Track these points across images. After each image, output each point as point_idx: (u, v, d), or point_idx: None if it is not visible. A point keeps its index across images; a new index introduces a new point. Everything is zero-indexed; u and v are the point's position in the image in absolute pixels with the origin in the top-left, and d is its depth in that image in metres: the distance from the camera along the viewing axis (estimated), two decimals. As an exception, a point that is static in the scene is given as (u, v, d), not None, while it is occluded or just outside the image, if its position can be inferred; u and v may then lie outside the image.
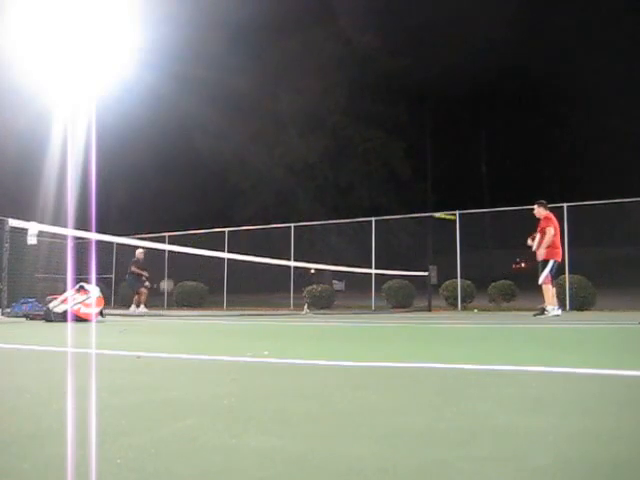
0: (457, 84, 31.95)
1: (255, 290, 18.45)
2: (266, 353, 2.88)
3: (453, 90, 32.53)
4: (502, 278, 14.28)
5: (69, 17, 17.81)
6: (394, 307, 15.08)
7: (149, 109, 26.68)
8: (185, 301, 17.90)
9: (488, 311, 13.09)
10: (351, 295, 18.10)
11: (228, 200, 30.96)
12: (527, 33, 30.97)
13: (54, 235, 11.15)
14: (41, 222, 8.07)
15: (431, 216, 12.94)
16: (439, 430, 1.22)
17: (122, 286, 19.13)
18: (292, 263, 14.76)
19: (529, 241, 9.19)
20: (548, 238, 8.76)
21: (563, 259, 9.26)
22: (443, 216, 12.85)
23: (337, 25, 29.86)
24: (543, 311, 8.88)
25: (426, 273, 13.95)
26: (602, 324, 6.47)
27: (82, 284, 7.29)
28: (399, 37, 30.40)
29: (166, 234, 18.21)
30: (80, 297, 7.02)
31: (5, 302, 7.75)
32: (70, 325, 6.08)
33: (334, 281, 18.39)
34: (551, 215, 9.16)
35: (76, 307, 6.89)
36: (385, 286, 15.48)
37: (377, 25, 30.03)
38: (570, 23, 29.41)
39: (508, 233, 14.75)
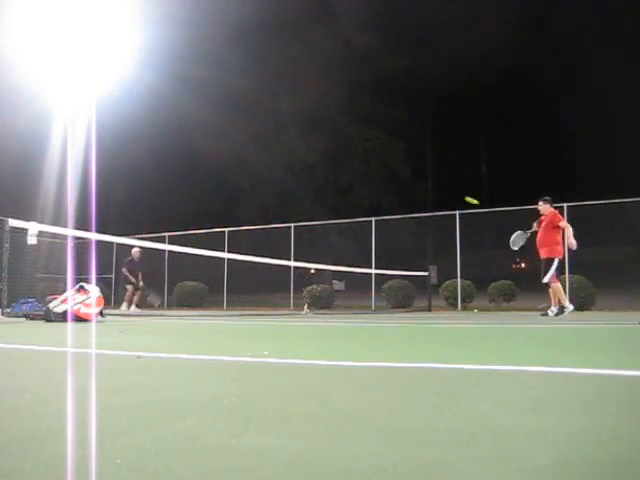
0: (457, 84, 31.95)
1: (255, 290, 18.44)
2: (266, 353, 2.88)
3: (453, 90, 32.52)
4: (502, 278, 14.27)
5: (69, 17, 17.82)
6: (394, 307, 15.08)
7: (149, 109, 26.67)
8: (185, 301, 17.90)
9: (488, 311, 13.09)
10: (351, 295, 18.10)
11: (228, 200, 30.95)
12: (527, 33, 30.99)
13: (54, 235, 11.15)
14: (41, 222, 8.07)
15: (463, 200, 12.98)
16: (439, 430, 1.22)
17: (121, 286, 19.16)
18: (292, 263, 14.76)
19: (535, 226, 9.15)
20: (571, 231, 8.76)
21: (563, 259, 9.25)
22: (470, 200, 12.90)
23: (337, 25, 29.85)
24: (549, 311, 8.86)
25: (426, 273, 13.95)
26: (602, 324, 6.47)
27: (82, 284, 7.29)
28: (399, 37, 30.40)
29: (166, 234, 18.21)
30: (80, 297, 7.02)
31: (5, 302, 7.75)
32: (70, 325, 6.08)
33: (334, 281, 18.39)
34: (557, 212, 9.16)
35: (76, 307, 6.89)
36: (385, 286, 15.49)
37: (377, 25, 30.03)
38: (570, 23, 29.41)
39: (508, 233, 14.70)
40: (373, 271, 15.24)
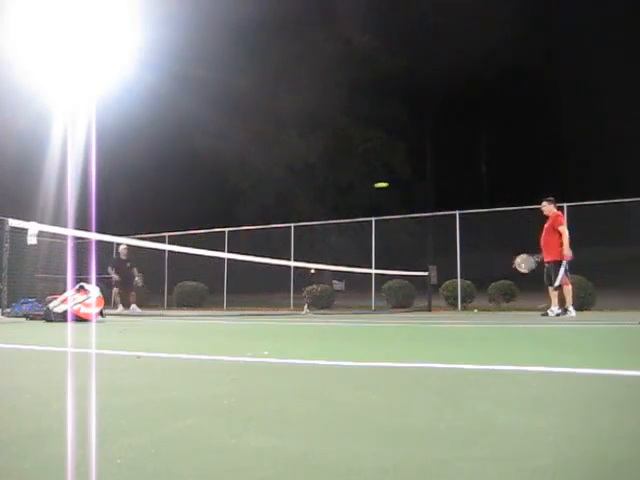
0: (457, 84, 31.89)
1: (255, 290, 18.45)
2: (266, 353, 2.88)
3: (453, 90, 32.48)
4: (502, 278, 14.27)
5: (69, 17, 17.82)
6: (394, 307, 15.09)
7: (149, 109, 26.66)
8: (185, 301, 17.91)
9: (488, 311, 13.10)
10: (351, 295, 18.10)
11: (228, 200, 30.94)
12: (528, 33, 30.94)
13: (54, 235, 11.15)
14: (41, 222, 8.07)
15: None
16: (439, 430, 1.22)
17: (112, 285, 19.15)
18: (292, 263, 14.77)
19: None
20: (566, 239, 8.72)
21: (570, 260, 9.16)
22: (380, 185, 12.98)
23: (337, 25, 29.84)
24: (549, 311, 8.85)
25: (426, 273, 13.96)
26: (602, 324, 6.47)
27: (82, 284, 7.30)
28: (399, 37, 30.39)
29: (166, 234, 18.22)
30: (80, 297, 7.02)
31: (5, 302, 7.75)
32: (70, 325, 6.08)
33: (334, 281, 18.39)
34: (560, 213, 9.13)
35: (76, 307, 6.90)
36: (385, 286, 15.49)
37: (377, 25, 30.02)
38: (571, 23, 29.39)
39: (508, 233, 14.73)
40: (373, 271, 15.25)
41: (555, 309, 8.84)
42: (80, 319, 6.77)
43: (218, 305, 17.94)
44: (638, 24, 26.55)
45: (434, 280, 14.30)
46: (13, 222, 7.09)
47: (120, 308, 12.60)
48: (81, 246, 12.80)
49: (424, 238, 18.31)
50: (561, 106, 30.66)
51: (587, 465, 0.97)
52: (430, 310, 13.35)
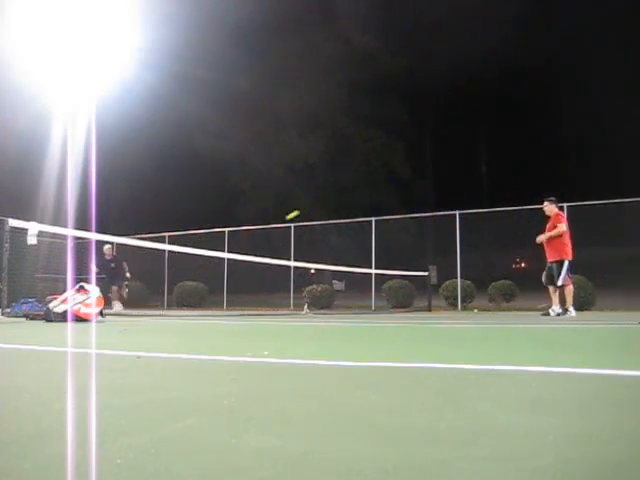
0: (457, 84, 31.92)
1: (255, 290, 18.45)
2: (266, 353, 2.88)
3: (453, 90, 32.50)
4: (502, 278, 14.28)
5: (69, 17, 17.82)
6: (394, 307, 15.09)
7: (149, 109, 26.67)
8: (185, 301, 17.91)
9: (488, 311, 13.10)
10: (351, 295, 18.10)
11: (228, 200, 30.95)
12: (528, 33, 30.96)
13: (54, 235, 11.15)
14: (41, 222, 8.07)
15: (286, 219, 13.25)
16: (439, 430, 1.22)
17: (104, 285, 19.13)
18: (292, 263, 14.77)
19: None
20: (556, 231, 8.70)
21: (573, 260, 9.13)
22: (291, 216, 13.13)
23: (337, 25, 29.84)
24: (550, 311, 8.85)
25: (426, 273, 13.95)
26: (602, 324, 6.47)
27: (82, 284, 7.30)
28: (399, 37, 30.40)
29: (166, 234, 18.22)
30: (80, 297, 7.02)
31: (5, 302, 7.75)
32: (70, 325, 6.08)
33: (334, 281, 18.40)
34: (562, 213, 9.12)
35: (76, 307, 6.90)
36: (385, 286, 15.49)
37: (377, 25, 30.03)
38: (571, 23, 29.41)
39: (508, 233, 14.75)
40: (373, 271, 15.25)
41: (556, 309, 8.84)
42: (80, 319, 6.77)
43: (218, 305, 17.93)
44: (638, 24, 26.54)
45: (434, 280, 14.29)
46: (13, 222, 7.09)
47: (117, 307, 12.59)
48: (81, 246, 12.80)
49: (424, 238, 18.31)
50: (561, 106, 30.67)
51: (587, 465, 0.97)
52: (430, 310, 13.34)
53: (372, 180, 30.53)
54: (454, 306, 14.42)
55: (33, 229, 7.05)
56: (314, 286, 16.24)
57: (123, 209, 30.91)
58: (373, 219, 16.78)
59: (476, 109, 33.80)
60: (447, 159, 33.98)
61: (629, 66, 28.29)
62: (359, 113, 29.86)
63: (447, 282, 14.68)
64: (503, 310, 13.32)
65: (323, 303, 15.80)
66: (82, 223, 9.49)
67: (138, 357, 2.80)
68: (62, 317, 6.79)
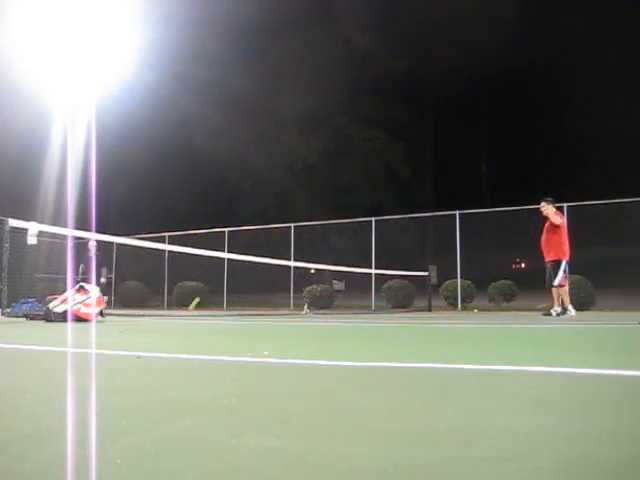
0: (457, 84, 31.91)
1: (255, 290, 18.45)
2: (266, 353, 2.89)
3: (453, 90, 32.49)
4: (502, 278, 14.28)
5: (69, 17, 17.81)
6: (394, 307, 15.09)
7: (149, 109, 26.67)
8: (185, 301, 17.91)
9: (488, 311, 13.10)
10: (351, 295, 18.10)
11: (228, 200, 30.95)
12: (528, 33, 30.96)
13: (54, 235, 11.14)
14: (41, 222, 8.07)
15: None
16: (439, 430, 1.22)
17: (121, 286, 19.16)
18: (292, 263, 14.77)
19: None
20: (554, 219, 8.72)
21: (570, 259, 9.15)
22: (193, 305, 13.83)
23: (337, 25, 29.83)
24: (552, 311, 8.85)
25: (426, 273, 13.95)
26: (602, 324, 6.47)
27: (82, 284, 7.30)
28: (399, 37, 30.39)
29: (166, 234, 18.22)
30: (80, 297, 7.02)
31: (5, 302, 7.75)
32: (70, 325, 6.08)
33: (334, 281, 18.39)
34: (559, 212, 9.14)
35: (76, 307, 6.90)
36: (385, 286, 15.49)
37: (377, 25, 30.02)
38: (571, 23, 29.38)
39: (508, 233, 14.74)
40: (373, 271, 15.24)
41: (558, 309, 8.85)
42: (80, 319, 6.77)
43: (218, 305, 17.94)
44: (638, 24, 26.54)
45: (434, 280, 14.29)
46: (13, 222, 7.09)
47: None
48: (81, 246, 12.79)
49: (424, 238, 18.31)
50: (561, 106, 30.65)
51: (587, 465, 0.97)
52: (430, 310, 13.35)
53: (372, 180, 30.53)
54: (454, 306, 14.42)
55: (33, 229, 7.04)
56: (314, 286, 16.24)
57: (123, 209, 30.90)
58: (373, 219, 16.78)
59: (476, 109, 33.78)
60: (447, 159, 33.96)
61: (629, 66, 28.29)
62: (359, 113, 29.86)
63: (447, 282, 14.68)
64: (503, 310, 13.32)
65: (323, 303, 15.80)
66: (82, 223, 9.49)
67: (138, 357, 2.80)
68: (62, 317, 6.79)
